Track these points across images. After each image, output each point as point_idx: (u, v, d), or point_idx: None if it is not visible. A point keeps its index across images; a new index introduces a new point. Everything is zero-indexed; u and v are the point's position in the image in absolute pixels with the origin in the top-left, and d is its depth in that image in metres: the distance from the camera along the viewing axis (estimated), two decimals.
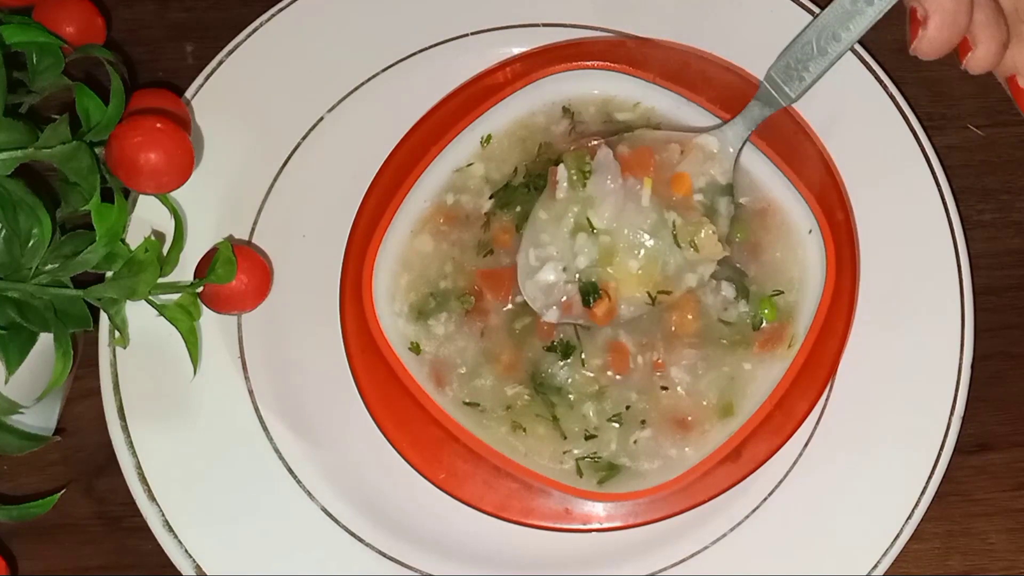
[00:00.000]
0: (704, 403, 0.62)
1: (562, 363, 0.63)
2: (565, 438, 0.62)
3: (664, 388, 0.62)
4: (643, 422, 0.62)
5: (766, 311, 0.63)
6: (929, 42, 0.52)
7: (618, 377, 0.62)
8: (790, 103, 0.62)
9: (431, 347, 0.64)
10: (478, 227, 0.65)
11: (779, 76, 0.60)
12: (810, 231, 0.64)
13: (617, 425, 0.62)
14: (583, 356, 0.62)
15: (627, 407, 0.62)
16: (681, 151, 0.63)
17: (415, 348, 0.64)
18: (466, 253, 0.65)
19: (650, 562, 0.63)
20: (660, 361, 0.62)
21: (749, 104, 0.63)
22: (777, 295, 0.64)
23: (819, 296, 0.63)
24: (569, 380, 0.62)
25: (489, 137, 0.67)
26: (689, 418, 0.62)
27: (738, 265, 0.64)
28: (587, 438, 0.62)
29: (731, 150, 0.63)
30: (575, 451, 0.62)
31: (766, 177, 0.65)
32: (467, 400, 0.63)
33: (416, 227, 0.65)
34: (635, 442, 0.62)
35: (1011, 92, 0.51)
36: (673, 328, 0.63)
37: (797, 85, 0.60)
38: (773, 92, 0.60)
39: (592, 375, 0.62)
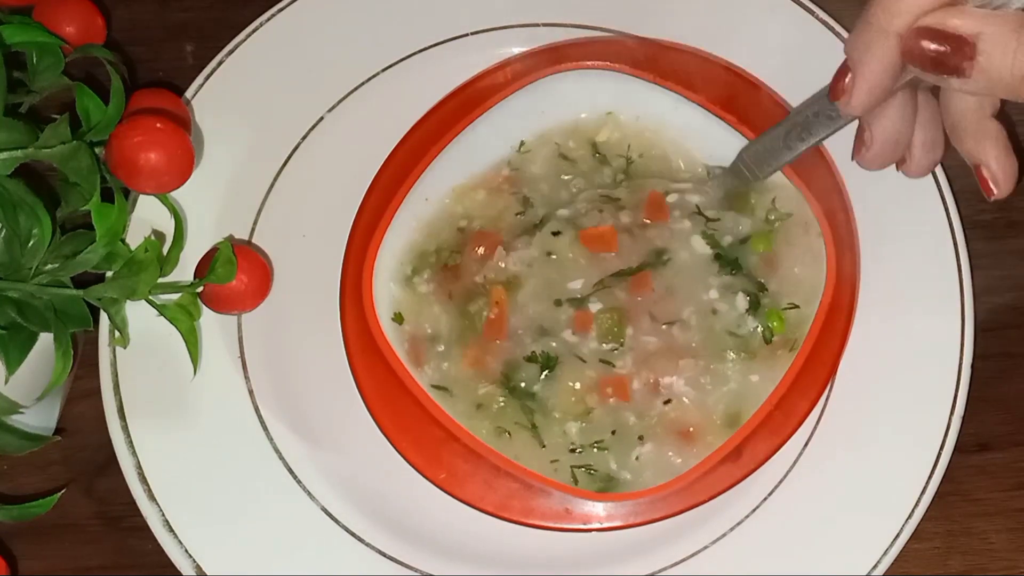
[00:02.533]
0: (710, 418, 0.61)
1: (542, 377, 0.62)
2: (544, 446, 0.61)
3: (667, 402, 0.61)
4: (640, 438, 0.61)
5: (774, 323, 0.62)
6: (871, 158, 0.58)
7: (615, 401, 0.61)
8: (757, 181, 0.64)
9: (424, 344, 0.63)
10: None
11: (750, 158, 0.63)
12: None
13: (606, 451, 0.61)
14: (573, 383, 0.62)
15: (612, 432, 0.61)
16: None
17: (398, 318, 0.63)
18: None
19: (650, 562, 0.63)
20: (661, 380, 0.61)
21: (722, 174, 0.65)
22: (792, 308, 0.63)
23: (819, 295, 0.63)
24: (551, 400, 0.61)
25: None
26: (691, 429, 0.61)
27: (761, 280, 0.63)
28: (571, 451, 0.61)
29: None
30: (571, 462, 0.61)
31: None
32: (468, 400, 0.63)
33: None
34: (637, 458, 0.61)
35: (979, 180, 0.55)
36: (676, 342, 0.62)
37: (765, 170, 0.63)
38: (744, 169, 0.64)
39: (581, 394, 0.61)
